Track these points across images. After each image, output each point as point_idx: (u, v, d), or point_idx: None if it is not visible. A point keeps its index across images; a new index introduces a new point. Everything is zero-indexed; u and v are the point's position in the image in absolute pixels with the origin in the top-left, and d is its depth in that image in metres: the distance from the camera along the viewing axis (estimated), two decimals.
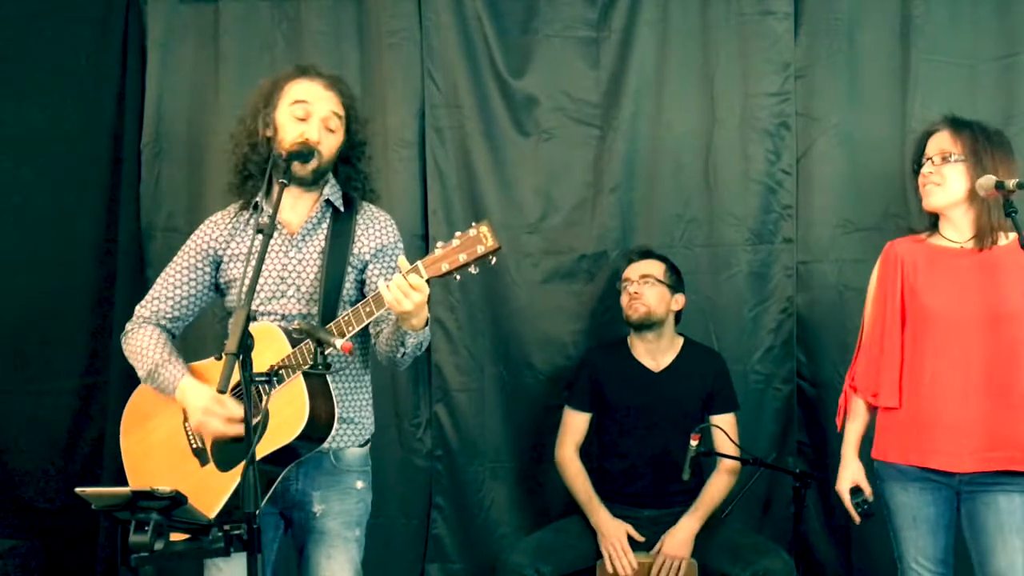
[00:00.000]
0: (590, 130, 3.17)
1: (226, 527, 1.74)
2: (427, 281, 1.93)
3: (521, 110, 3.17)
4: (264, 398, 2.04)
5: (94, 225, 3.25)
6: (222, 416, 2.00)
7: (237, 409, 2.02)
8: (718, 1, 3.11)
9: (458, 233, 1.95)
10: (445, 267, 1.92)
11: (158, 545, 1.62)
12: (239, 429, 2.00)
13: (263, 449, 2.02)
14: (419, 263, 1.94)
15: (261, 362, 1.94)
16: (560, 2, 3.14)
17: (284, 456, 2.06)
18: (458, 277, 1.96)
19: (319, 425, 2.05)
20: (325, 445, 2.11)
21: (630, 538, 2.81)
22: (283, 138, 2.10)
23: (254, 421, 2.05)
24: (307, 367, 1.97)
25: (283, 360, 2.01)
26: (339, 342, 1.87)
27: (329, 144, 2.16)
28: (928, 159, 2.33)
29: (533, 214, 3.18)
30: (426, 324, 2.02)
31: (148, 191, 3.19)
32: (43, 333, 3.25)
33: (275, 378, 1.86)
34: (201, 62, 3.19)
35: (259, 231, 1.83)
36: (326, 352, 1.86)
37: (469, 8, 3.13)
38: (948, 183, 2.27)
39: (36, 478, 3.25)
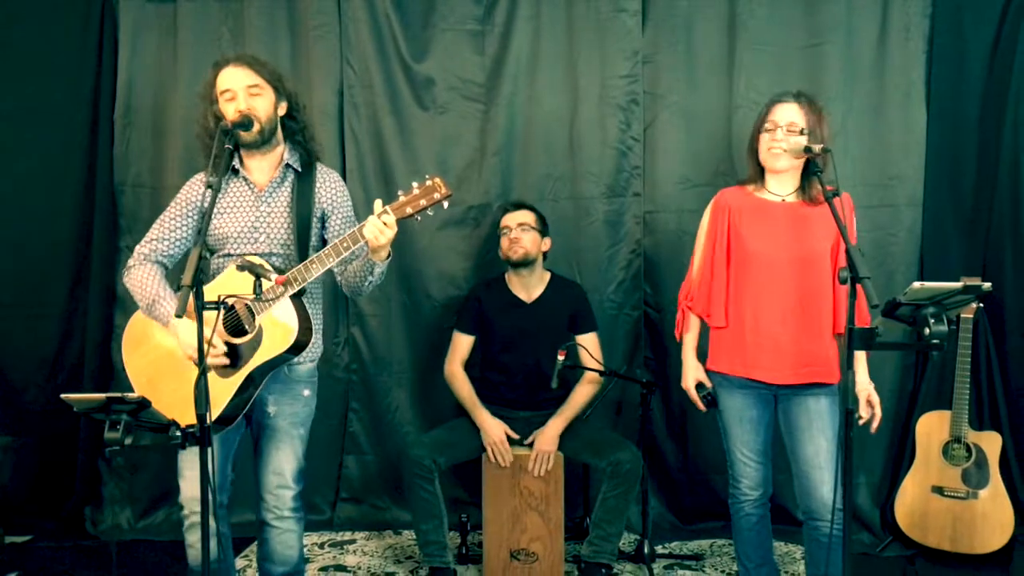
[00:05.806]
0: (477, 105, 3.48)
1: (183, 426, 1.90)
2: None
3: (421, 89, 3.47)
4: (255, 318, 2.21)
5: (76, 181, 3.50)
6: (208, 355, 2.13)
7: (219, 345, 2.20)
8: (580, 1, 3.45)
9: (416, 183, 2.13)
10: (409, 210, 2.12)
11: (128, 440, 1.78)
12: (221, 361, 2.22)
13: (259, 359, 2.21)
14: (387, 207, 2.13)
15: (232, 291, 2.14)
16: (453, 1, 3.44)
17: (270, 365, 2.24)
18: (419, 219, 2.16)
19: (302, 340, 2.24)
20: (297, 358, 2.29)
21: (508, 436, 3.07)
22: (227, 119, 2.31)
23: (249, 337, 2.24)
24: (251, 298, 2.15)
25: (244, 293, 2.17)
26: (274, 276, 2.09)
27: (261, 106, 2.34)
28: (778, 127, 2.43)
29: (430, 173, 3.27)
30: (388, 257, 2.24)
31: (120, 154, 3.47)
32: (35, 268, 3.51)
33: (222, 306, 1.97)
34: (163, 50, 3.47)
35: (208, 187, 2.03)
36: (262, 284, 2.02)
37: (379, 6, 3.43)
38: (792, 150, 2.41)
39: (29, 386, 3.54)
